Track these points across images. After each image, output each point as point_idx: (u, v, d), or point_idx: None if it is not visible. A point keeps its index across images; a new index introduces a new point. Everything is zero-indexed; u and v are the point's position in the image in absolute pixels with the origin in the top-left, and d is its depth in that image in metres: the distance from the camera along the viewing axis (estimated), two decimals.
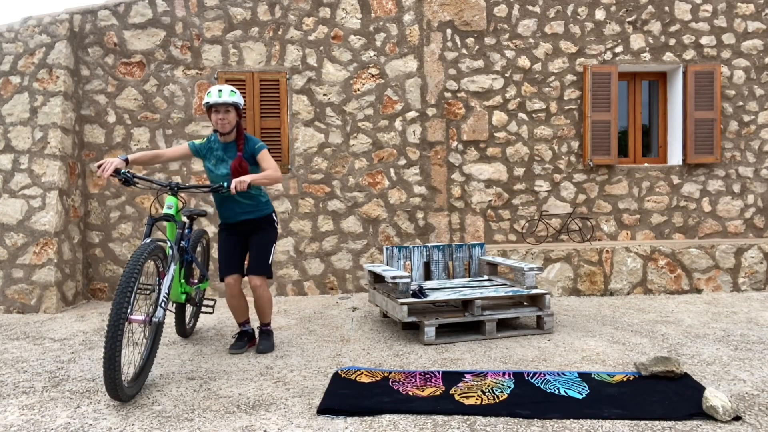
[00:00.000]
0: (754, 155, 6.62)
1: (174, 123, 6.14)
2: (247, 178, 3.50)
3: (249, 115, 6.20)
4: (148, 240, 3.21)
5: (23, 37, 5.82)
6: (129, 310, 2.90)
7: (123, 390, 2.89)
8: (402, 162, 6.36)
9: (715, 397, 2.69)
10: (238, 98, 3.71)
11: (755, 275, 6.06)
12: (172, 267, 3.37)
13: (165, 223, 3.71)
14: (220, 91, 3.67)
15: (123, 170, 3.44)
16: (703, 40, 6.54)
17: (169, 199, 3.54)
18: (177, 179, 6.17)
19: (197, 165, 6.19)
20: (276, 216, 4.02)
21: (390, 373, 3.42)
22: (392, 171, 6.35)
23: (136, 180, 3.55)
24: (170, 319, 5.02)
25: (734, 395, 2.98)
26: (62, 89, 5.76)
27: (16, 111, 5.74)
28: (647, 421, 2.66)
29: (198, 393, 3.15)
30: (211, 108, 3.71)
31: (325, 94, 6.27)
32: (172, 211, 3.51)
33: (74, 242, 5.86)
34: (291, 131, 6.27)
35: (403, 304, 4.12)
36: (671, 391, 3.02)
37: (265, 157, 3.76)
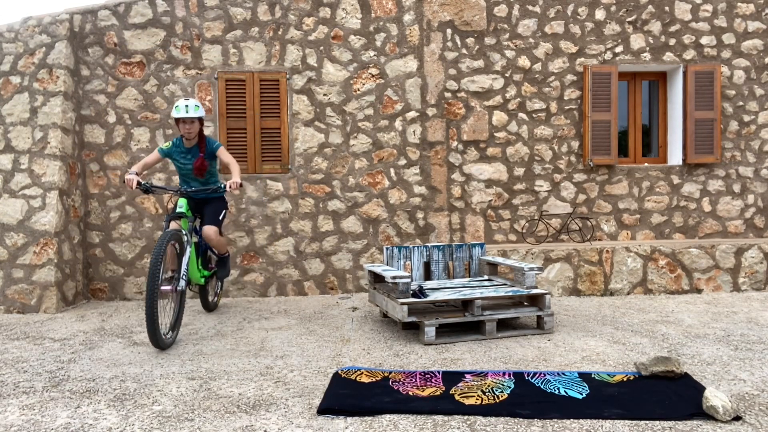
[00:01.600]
0: (754, 155, 6.62)
1: (174, 123, 6.14)
2: (238, 179, 4.53)
3: (249, 115, 6.20)
4: (169, 229, 4.21)
5: (23, 37, 5.82)
6: (160, 279, 3.84)
7: (162, 339, 3.93)
8: (402, 162, 6.36)
9: (715, 397, 2.69)
10: (201, 112, 4.59)
11: (755, 275, 6.06)
12: (188, 249, 4.35)
13: (180, 219, 4.63)
14: (186, 106, 4.52)
15: (143, 182, 4.40)
16: (704, 40, 6.54)
17: (180, 201, 4.57)
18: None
19: None
20: (224, 191, 4.74)
21: (390, 373, 3.42)
22: (392, 171, 6.35)
23: (154, 188, 4.44)
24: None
25: (734, 395, 2.98)
26: (62, 89, 5.76)
27: (16, 111, 5.74)
28: (647, 421, 2.66)
29: (198, 393, 3.15)
30: (178, 119, 4.58)
31: (325, 94, 6.27)
32: (183, 210, 4.52)
33: (74, 242, 5.86)
34: (291, 131, 6.27)
35: (403, 304, 4.12)
36: (671, 391, 3.02)
37: (223, 153, 4.74)
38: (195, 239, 4.95)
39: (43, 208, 5.59)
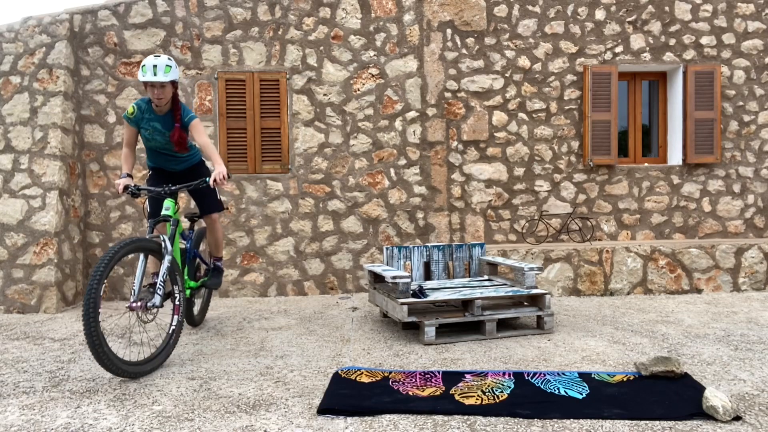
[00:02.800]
0: (754, 155, 6.62)
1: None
2: (223, 170, 3.78)
3: (249, 115, 6.20)
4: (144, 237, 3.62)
5: (23, 37, 5.82)
6: (100, 291, 3.20)
7: (117, 364, 3.23)
8: (402, 162, 6.36)
9: (715, 397, 2.69)
10: (173, 74, 3.78)
11: (755, 275, 6.06)
12: (167, 258, 3.67)
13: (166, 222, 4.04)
14: (155, 66, 3.72)
15: (131, 186, 3.82)
16: (703, 40, 6.54)
17: (167, 202, 3.89)
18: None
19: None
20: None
21: (390, 373, 3.42)
22: (392, 171, 6.35)
23: (141, 191, 3.88)
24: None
25: (734, 395, 2.98)
26: (62, 89, 5.76)
27: (16, 111, 5.74)
28: (647, 421, 2.66)
29: (198, 393, 3.15)
30: (146, 82, 3.78)
31: (325, 94, 6.27)
32: (170, 212, 3.88)
33: (74, 242, 5.86)
34: (291, 131, 6.27)
35: (403, 304, 4.11)
36: (671, 391, 3.02)
37: (196, 127, 3.96)
38: (182, 245, 4.42)
39: (43, 208, 5.59)
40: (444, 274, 5.19)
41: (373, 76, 6.30)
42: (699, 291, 6.04)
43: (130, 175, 3.94)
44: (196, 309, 4.86)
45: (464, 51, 6.38)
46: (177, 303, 3.83)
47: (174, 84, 3.88)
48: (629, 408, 2.80)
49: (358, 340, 4.26)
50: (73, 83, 5.98)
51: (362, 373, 3.41)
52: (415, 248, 5.12)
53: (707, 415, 2.69)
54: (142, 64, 3.77)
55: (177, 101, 3.96)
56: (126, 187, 3.84)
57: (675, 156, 6.68)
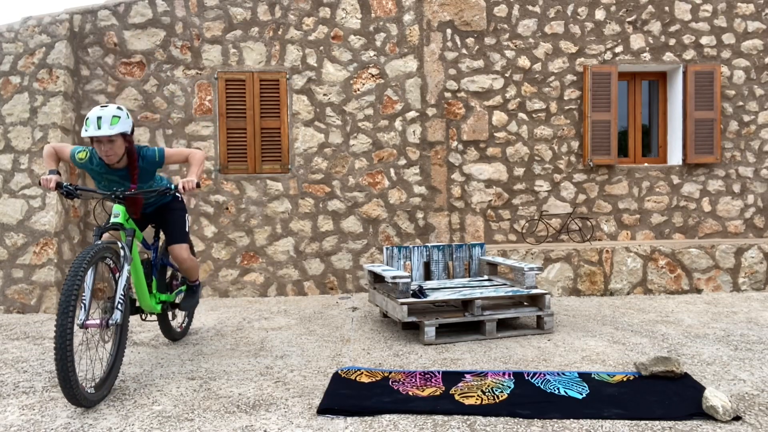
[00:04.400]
0: (754, 155, 6.62)
1: (174, 123, 6.14)
2: (194, 178, 3.37)
3: (249, 115, 6.20)
4: (97, 243, 3.11)
5: (23, 37, 5.82)
6: (74, 318, 2.81)
7: (85, 396, 2.84)
8: (402, 162, 6.36)
9: (715, 397, 2.69)
10: (122, 126, 3.23)
11: (755, 275, 6.06)
12: (126, 268, 3.24)
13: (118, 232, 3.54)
14: (99, 119, 3.18)
15: (64, 184, 3.32)
16: (703, 40, 6.54)
17: (116, 208, 3.35)
18: (177, 179, 6.17)
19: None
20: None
21: (390, 373, 3.42)
22: (392, 171, 6.35)
23: (79, 192, 3.37)
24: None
25: (734, 395, 2.98)
26: (62, 89, 5.76)
27: (16, 111, 5.74)
28: (647, 421, 2.66)
29: (198, 393, 3.15)
30: (92, 137, 3.23)
31: (325, 94, 6.27)
32: (120, 219, 3.33)
33: (74, 242, 5.86)
34: (291, 131, 6.27)
35: (403, 304, 4.11)
36: (671, 391, 3.02)
37: (173, 154, 3.51)
38: (147, 255, 3.97)
39: (43, 208, 5.59)
40: (444, 274, 5.19)
41: (373, 76, 6.30)
42: (699, 291, 6.04)
43: (58, 172, 3.39)
44: (176, 323, 4.45)
45: (464, 51, 6.38)
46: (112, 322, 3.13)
47: (126, 137, 3.32)
48: (629, 408, 2.80)
49: (358, 340, 4.26)
50: (73, 83, 5.98)
51: (362, 373, 3.41)
52: (415, 248, 5.12)
53: (707, 415, 2.69)
54: (86, 117, 3.24)
55: (133, 156, 3.39)
56: (59, 185, 3.30)
57: (675, 156, 6.68)
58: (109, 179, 3.48)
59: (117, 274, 3.25)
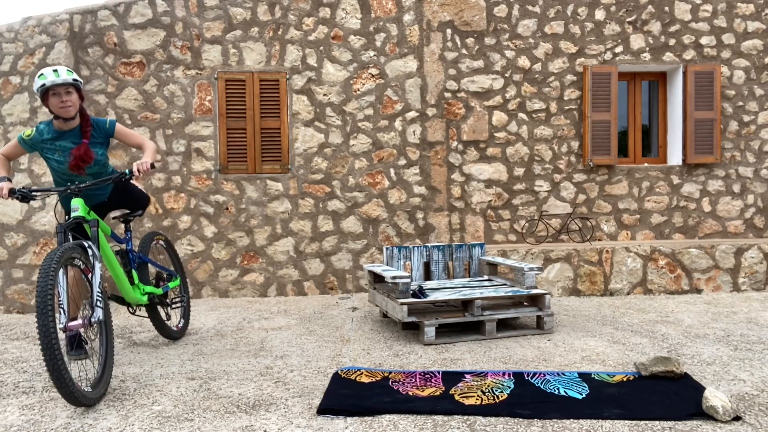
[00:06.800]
0: (754, 155, 6.62)
1: (174, 123, 6.14)
2: (148, 159, 3.44)
3: (249, 115, 6.20)
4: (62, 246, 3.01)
5: (23, 37, 5.82)
6: (55, 323, 2.77)
7: (83, 394, 2.83)
8: (402, 162, 6.36)
9: (715, 397, 2.69)
10: (75, 77, 3.36)
11: (755, 275, 6.06)
12: (98, 265, 3.16)
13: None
14: (55, 71, 3.28)
15: (17, 189, 3.30)
16: (703, 40, 6.54)
17: (74, 202, 3.32)
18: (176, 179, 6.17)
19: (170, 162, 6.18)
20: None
21: (390, 373, 3.42)
22: (392, 171, 6.35)
23: (34, 194, 3.33)
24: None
25: (734, 395, 2.98)
26: None
27: (16, 111, 5.74)
28: (647, 421, 2.66)
29: (198, 393, 3.15)
30: (48, 91, 3.31)
31: (325, 94, 6.27)
32: (80, 213, 3.30)
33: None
34: (291, 131, 6.27)
35: (403, 304, 4.12)
36: (671, 391, 3.02)
37: (125, 132, 3.62)
38: (120, 246, 3.94)
39: (43, 208, 5.59)
40: (444, 275, 5.19)
41: (373, 76, 6.30)
42: (699, 291, 6.04)
43: (9, 179, 3.39)
44: (168, 320, 4.28)
45: (464, 51, 6.38)
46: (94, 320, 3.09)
47: (80, 93, 3.43)
48: (629, 408, 2.80)
49: (357, 340, 4.26)
50: None
51: (362, 373, 3.41)
52: (415, 248, 5.12)
53: (707, 415, 2.69)
54: (38, 73, 3.31)
55: (86, 115, 3.50)
56: (11, 191, 3.28)
57: (675, 156, 6.68)
58: (62, 147, 3.49)
59: (90, 275, 3.17)
